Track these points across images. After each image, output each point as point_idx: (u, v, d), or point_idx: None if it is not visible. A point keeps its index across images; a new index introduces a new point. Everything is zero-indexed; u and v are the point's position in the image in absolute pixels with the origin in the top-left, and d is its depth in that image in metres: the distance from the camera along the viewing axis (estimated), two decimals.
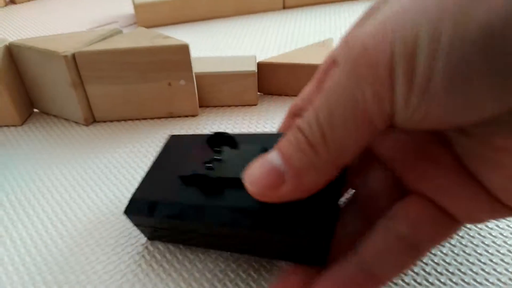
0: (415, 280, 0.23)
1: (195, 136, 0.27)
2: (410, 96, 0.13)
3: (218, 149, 0.24)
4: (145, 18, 0.61)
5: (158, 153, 0.27)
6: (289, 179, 0.16)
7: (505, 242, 0.26)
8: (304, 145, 0.15)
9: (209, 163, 0.23)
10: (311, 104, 0.15)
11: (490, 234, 0.26)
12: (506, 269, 0.24)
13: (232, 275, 0.24)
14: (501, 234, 0.26)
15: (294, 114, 0.23)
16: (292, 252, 0.21)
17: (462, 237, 0.26)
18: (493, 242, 0.26)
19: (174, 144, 0.27)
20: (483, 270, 0.24)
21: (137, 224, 0.25)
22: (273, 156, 0.16)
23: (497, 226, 0.27)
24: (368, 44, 0.14)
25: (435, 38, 0.12)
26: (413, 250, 0.18)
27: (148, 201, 0.24)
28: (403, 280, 0.23)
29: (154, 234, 0.26)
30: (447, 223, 0.17)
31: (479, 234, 0.26)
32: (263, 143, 0.23)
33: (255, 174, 0.16)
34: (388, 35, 0.13)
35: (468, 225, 0.27)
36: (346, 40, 0.17)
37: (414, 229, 0.17)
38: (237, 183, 0.20)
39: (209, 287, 0.24)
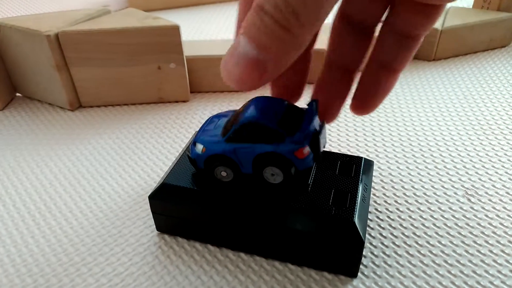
0: (412, 272, 0.22)
1: None
2: None
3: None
4: (137, 2, 0.59)
5: (187, 145, 0.27)
6: (270, 66, 0.16)
7: (505, 232, 0.25)
8: (279, 31, 0.15)
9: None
10: None
11: (491, 224, 0.25)
12: (507, 261, 0.23)
13: (249, 272, 0.23)
14: (501, 224, 0.25)
15: None
16: (324, 257, 0.22)
17: (461, 227, 0.25)
18: (493, 232, 0.25)
19: None
20: (482, 261, 0.23)
21: (156, 212, 0.24)
22: (247, 48, 0.15)
23: (498, 216, 0.26)
24: None
25: None
26: (415, 40, 0.21)
27: (181, 188, 0.23)
28: (399, 272, 0.22)
29: (169, 224, 0.24)
30: (432, 12, 0.20)
31: (479, 224, 0.25)
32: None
33: (237, 72, 0.16)
34: None
35: (468, 215, 0.26)
36: None
37: (409, 24, 0.20)
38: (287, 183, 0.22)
39: (232, 280, 0.22)
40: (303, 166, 0.21)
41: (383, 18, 0.22)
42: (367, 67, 0.23)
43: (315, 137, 0.21)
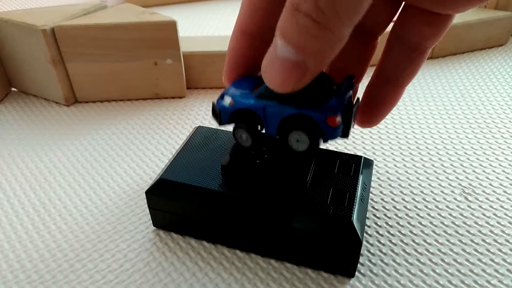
0: (409, 271, 0.22)
1: (221, 131, 0.27)
2: None
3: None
4: None
5: (185, 141, 0.26)
6: (312, 65, 0.15)
7: (502, 231, 0.25)
8: (316, 30, 0.14)
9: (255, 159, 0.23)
10: None
11: (488, 223, 0.25)
12: (504, 260, 0.23)
13: (246, 271, 0.23)
14: (498, 223, 0.25)
15: (247, 33, 0.21)
16: (322, 256, 0.22)
17: (458, 226, 0.25)
18: (491, 231, 0.25)
19: (201, 135, 0.27)
20: (480, 260, 0.23)
21: (153, 207, 0.24)
22: (286, 52, 0.15)
23: (495, 215, 0.26)
24: None
25: None
26: (422, 54, 0.21)
27: (178, 183, 0.23)
28: (396, 271, 0.22)
29: (166, 220, 0.24)
30: (440, 22, 0.20)
31: (476, 223, 0.25)
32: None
33: (279, 77, 0.15)
34: None
35: (465, 214, 0.26)
36: None
37: (418, 36, 0.20)
38: (285, 181, 0.22)
39: (227, 277, 0.22)
40: (331, 136, 0.20)
41: (390, 30, 0.21)
42: (373, 81, 0.22)
43: (348, 109, 0.20)
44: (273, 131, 0.21)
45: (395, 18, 0.21)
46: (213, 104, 0.22)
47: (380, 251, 0.23)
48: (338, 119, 0.19)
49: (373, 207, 0.26)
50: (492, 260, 0.23)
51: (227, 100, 0.21)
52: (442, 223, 0.25)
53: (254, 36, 0.20)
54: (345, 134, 0.20)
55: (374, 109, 0.22)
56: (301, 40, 0.14)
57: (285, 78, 0.15)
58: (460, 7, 0.18)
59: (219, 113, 0.21)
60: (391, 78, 0.22)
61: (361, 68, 0.23)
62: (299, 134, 0.20)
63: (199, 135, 0.27)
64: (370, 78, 0.22)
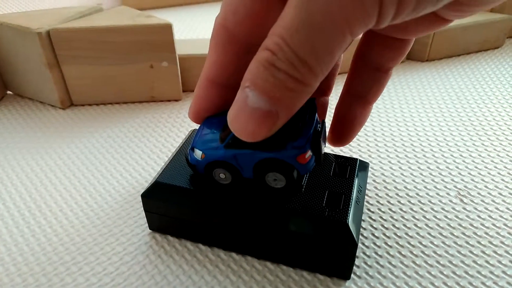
0: (404, 273, 0.22)
1: None
2: None
3: None
4: (130, 1, 0.59)
5: (181, 144, 0.26)
6: (283, 115, 0.16)
7: (498, 233, 0.25)
8: (292, 84, 0.15)
9: None
10: (274, 38, 0.14)
11: (483, 225, 0.25)
12: (499, 262, 0.23)
13: (241, 273, 0.23)
14: (494, 225, 0.25)
15: (216, 83, 0.21)
16: (317, 259, 0.22)
17: (453, 228, 0.25)
18: (486, 233, 0.25)
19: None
20: (475, 262, 0.23)
21: (149, 210, 0.24)
22: (259, 102, 0.15)
23: (490, 216, 0.26)
24: None
25: None
26: (385, 73, 0.22)
27: (174, 186, 0.23)
28: (392, 273, 0.22)
29: (162, 223, 0.24)
30: (401, 46, 0.21)
31: (471, 225, 0.25)
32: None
33: (251, 126, 0.16)
34: None
35: (460, 216, 0.26)
36: None
37: (382, 58, 0.21)
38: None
39: (223, 280, 0.22)
40: (305, 171, 0.21)
41: (355, 51, 0.22)
42: (342, 100, 0.23)
43: (316, 139, 0.20)
44: (249, 174, 0.21)
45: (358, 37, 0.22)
46: (185, 156, 0.23)
47: (376, 253, 0.23)
48: (308, 154, 0.20)
49: (368, 210, 0.26)
50: (487, 262, 0.23)
51: (198, 154, 0.22)
52: (438, 225, 0.25)
53: (223, 85, 0.20)
54: (318, 163, 0.21)
55: (345, 127, 0.23)
56: (276, 92, 0.15)
57: (257, 127, 0.16)
58: (419, 33, 0.19)
59: (194, 167, 0.22)
60: (359, 96, 0.23)
61: (329, 81, 0.23)
62: (274, 175, 0.21)
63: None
64: (339, 97, 0.23)
